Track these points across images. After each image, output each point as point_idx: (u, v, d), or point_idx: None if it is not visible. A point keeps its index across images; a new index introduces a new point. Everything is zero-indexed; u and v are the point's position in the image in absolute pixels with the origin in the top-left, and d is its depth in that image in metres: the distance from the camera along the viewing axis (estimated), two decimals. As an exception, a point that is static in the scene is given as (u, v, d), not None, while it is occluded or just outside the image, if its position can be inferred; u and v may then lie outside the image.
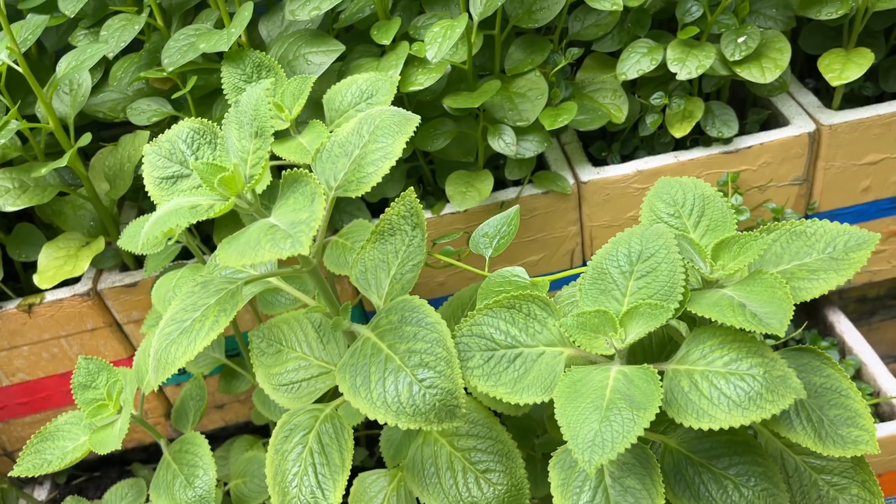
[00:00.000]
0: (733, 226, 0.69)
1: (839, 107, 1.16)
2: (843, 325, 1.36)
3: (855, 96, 1.21)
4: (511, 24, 1.06)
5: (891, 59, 1.19)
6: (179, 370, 1.29)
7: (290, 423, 0.80)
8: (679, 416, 0.61)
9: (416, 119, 0.70)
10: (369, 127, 0.71)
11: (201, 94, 1.03)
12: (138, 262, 1.17)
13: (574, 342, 0.64)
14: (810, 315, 1.40)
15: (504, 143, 1.00)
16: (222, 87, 0.94)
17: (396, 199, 0.83)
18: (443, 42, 0.90)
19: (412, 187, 0.84)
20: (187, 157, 0.70)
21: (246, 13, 0.91)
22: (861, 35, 1.12)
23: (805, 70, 1.29)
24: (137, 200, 1.24)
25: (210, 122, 0.70)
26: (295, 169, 0.62)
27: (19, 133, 1.09)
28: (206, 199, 0.63)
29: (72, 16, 1.09)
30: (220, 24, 1.02)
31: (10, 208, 0.98)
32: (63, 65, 0.97)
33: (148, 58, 1.12)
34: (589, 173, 1.13)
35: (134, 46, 1.13)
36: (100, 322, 1.17)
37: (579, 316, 0.64)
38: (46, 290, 1.02)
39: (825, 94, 1.21)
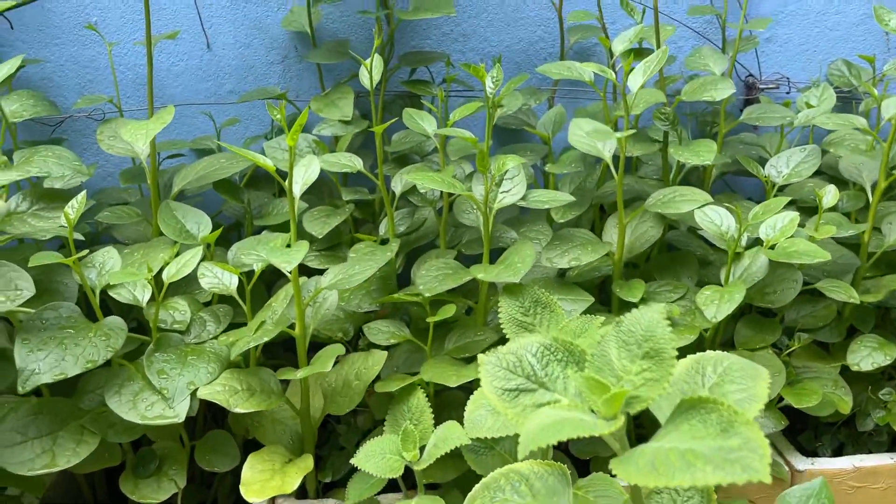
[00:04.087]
0: None
1: None
2: None
3: None
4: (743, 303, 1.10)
5: None
6: None
7: None
8: None
9: (766, 372, 0.69)
10: (715, 368, 0.70)
11: (440, 320, 1.03)
12: (317, 490, 1.09)
13: None
14: None
15: (752, 414, 0.98)
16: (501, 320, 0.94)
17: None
18: (720, 304, 0.93)
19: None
20: (536, 371, 0.68)
21: (528, 252, 0.96)
22: None
23: None
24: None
25: (562, 339, 0.69)
26: (693, 395, 0.60)
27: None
28: (588, 417, 0.61)
29: (319, 237, 1.15)
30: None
31: (239, 410, 0.94)
32: (329, 276, 1.00)
33: (379, 284, 1.15)
34: (803, 463, 1.09)
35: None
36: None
37: None
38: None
39: None
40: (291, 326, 1.02)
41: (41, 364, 0.91)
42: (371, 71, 1.07)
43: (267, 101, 0.92)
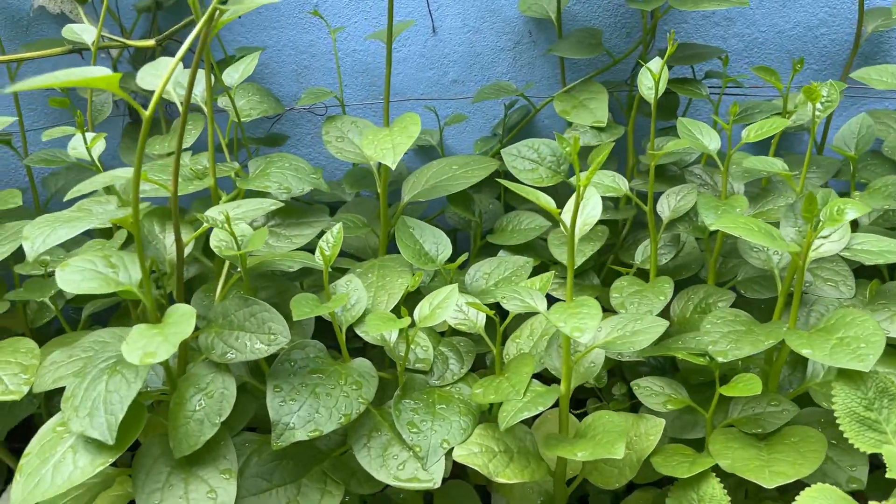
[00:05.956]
0: None
1: None
2: None
3: None
4: None
5: None
6: None
7: None
8: None
9: None
10: None
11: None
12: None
13: None
14: None
15: None
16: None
17: None
18: None
19: None
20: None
21: (873, 329, 0.77)
22: None
23: None
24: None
25: None
26: None
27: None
28: None
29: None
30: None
31: (501, 479, 0.83)
32: (605, 331, 0.86)
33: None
34: None
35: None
36: None
37: None
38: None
39: None
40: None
41: (295, 418, 0.83)
42: (658, 83, 0.89)
43: (558, 136, 0.77)
